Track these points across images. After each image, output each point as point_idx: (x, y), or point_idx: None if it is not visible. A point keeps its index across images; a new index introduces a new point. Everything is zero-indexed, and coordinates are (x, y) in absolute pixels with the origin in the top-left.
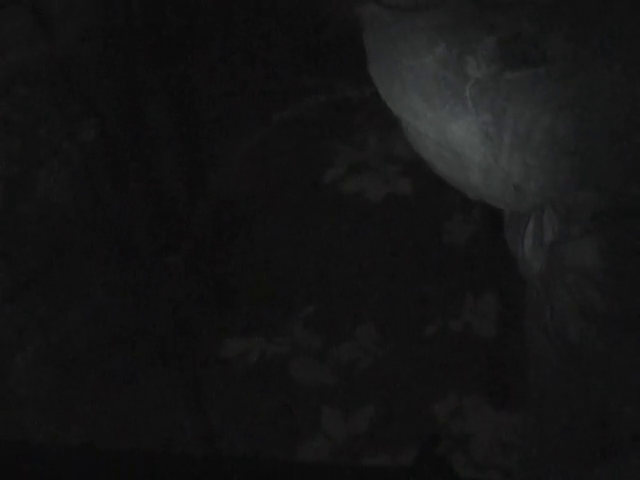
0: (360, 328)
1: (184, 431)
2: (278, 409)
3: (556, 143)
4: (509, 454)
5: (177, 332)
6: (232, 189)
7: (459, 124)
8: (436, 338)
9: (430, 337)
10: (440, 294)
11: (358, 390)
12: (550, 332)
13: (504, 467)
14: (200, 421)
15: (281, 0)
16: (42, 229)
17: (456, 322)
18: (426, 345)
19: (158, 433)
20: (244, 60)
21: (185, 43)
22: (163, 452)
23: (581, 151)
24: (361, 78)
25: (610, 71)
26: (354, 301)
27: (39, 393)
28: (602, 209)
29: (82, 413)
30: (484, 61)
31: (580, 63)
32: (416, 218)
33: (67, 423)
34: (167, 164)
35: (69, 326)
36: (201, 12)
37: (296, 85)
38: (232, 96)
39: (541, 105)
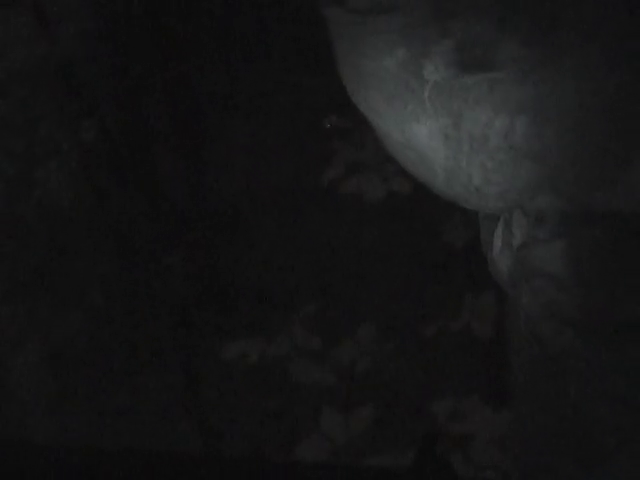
0: (360, 328)
1: (184, 431)
2: (278, 409)
3: (512, 147)
4: (508, 454)
5: (177, 332)
6: (232, 189)
7: (420, 126)
8: (436, 338)
9: (430, 337)
10: (440, 294)
11: (358, 390)
12: (525, 332)
13: (503, 467)
14: (200, 421)
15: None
16: (42, 229)
17: (456, 322)
18: (426, 345)
19: (158, 433)
20: (244, 60)
21: (185, 43)
22: (163, 452)
23: (537, 155)
24: None
25: (560, 77)
26: (354, 301)
27: (39, 393)
28: (568, 215)
29: (82, 413)
30: (441, 65)
31: (531, 69)
32: (416, 218)
33: (67, 423)
34: (167, 164)
35: (69, 326)
36: (201, 12)
37: (296, 85)
38: (232, 96)
39: (496, 109)
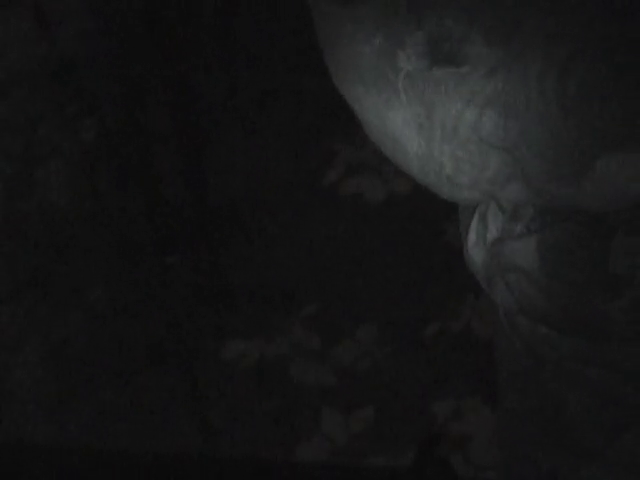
0: (360, 328)
1: (184, 431)
2: (278, 409)
3: (481, 139)
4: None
5: (177, 332)
6: (232, 189)
7: (395, 113)
8: (436, 338)
9: (430, 337)
10: (440, 294)
11: (358, 390)
12: (504, 324)
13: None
14: (200, 421)
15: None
16: (42, 229)
17: (456, 322)
18: (426, 345)
19: (158, 433)
20: (244, 60)
21: (185, 43)
22: (163, 452)
23: (505, 147)
24: None
25: (524, 77)
26: (354, 301)
27: (39, 393)
28: (542, 210)
29: (82, 413)
30: (413, 55)
31: (497, 67)
32: (416, 218)
33: (67, 423)
34: (167, 164)
35: (69, 326)
36: (201, 12)
37: (296, 85)
38: (232, 96)
39: (466, 102)
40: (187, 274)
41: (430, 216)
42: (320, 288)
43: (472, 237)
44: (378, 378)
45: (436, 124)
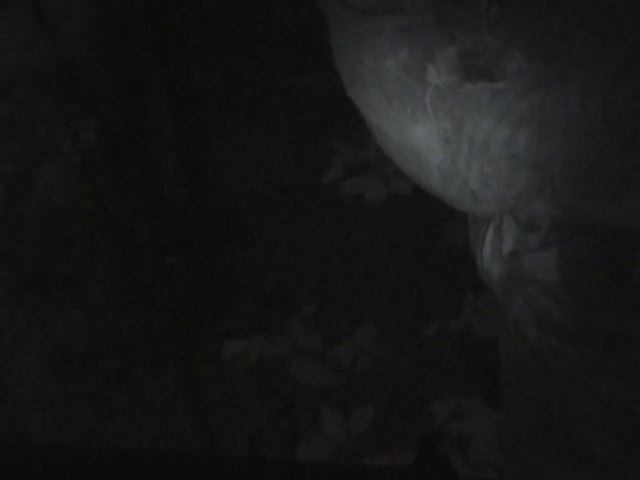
0: (360, 328)
1: (184, 431)
2: (278, 409)
3: (513, 155)
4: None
5: (177, 332)
6: (232, 189)
7: (419, 127)
8: (436, 338)
9: (430, 337)
10: (440, 294)
11: (358, 390)
12: (513, 333)
13: (503, 467)
14: (200, 421)
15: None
16: (42, 229)
17: (456, 322)
18: (426, 345)
19: (158, 433)
20: (244, 60)
21: (185, 43)
22: (163, 452)
23: (537, 165)
24: None
25: (565, 94)
26: (354, 301)
27: (39, 393)
28: (560, 223)
29: (82, 413)
30: (444, 70)
31: (536, 84)
32: (416, 218)
33: (67, 423)
34: (167, 164)
35: (69, 326)
36: (201, 12)
37: (296, 85)
38: (232, 96)
39: (499, 118)
40: (187, 274)
41: (430, 216)
42: (320, 288)
43: (487, 250)
44: (378, 378)
45: (464, 139)
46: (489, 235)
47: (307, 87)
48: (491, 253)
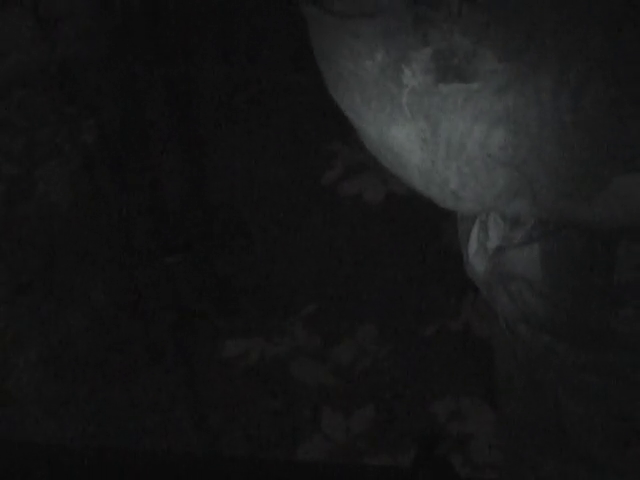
0: (360, 328)
1: (184, 431)
2: (278, 409)
3: (490, 156)
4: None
5: (177, 332)
6: (232, 189)
7: (398, 128)
8: (435, 338)
9: (429, 337)
10: (440, 294)
11: (358, 390)
12: (505, 330)
13: (502, 467)
14: (200, 421)
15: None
16: (42, 229)
17: (456, 322)
18: (425, 345)
19: (158, 433)
20: (244, 60)
21: (185, 43)
22: (163, 452)
23: (513, 164)
24: None
25: (537, 93)
26: (354, 301)
27: (39, 393)
28: (544, 219)
29: (82, 413)
30: (418, 71)
31: (508, 83)
32: (415, 218)
33: (67, 423)
34: (167, 164)
35: (69, 326)
36: (201, 12)
37: (296, 85)
38: (232, 96)
39: (474, 119)
40: (187, 274)
41: (429, 216)
42: (320, 288)
43: (473, 246)
44: (378, 378)
45: (441, 140)
46: (474, 231)
47: (307, 87)
48: (476, 249)
